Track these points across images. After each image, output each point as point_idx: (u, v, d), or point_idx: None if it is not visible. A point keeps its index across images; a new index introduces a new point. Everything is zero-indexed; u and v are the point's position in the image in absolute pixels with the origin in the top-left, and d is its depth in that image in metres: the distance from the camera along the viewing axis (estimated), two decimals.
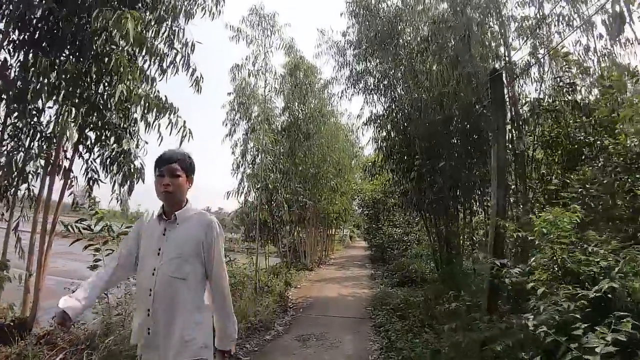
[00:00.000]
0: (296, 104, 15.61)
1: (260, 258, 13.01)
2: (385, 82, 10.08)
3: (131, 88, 5.14)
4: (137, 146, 5.79)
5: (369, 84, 10.87)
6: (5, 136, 4.86)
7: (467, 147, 8.04)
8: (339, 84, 11.81)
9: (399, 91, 9.42)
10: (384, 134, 10.35)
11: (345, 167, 17.38)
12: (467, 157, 8.28)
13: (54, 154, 5.20)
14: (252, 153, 12.08)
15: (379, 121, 10.35)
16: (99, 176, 5.73)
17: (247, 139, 12.12)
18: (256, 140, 11.47)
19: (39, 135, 4.94)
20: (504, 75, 5.74)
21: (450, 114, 7.92)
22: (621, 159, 4.25)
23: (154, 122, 5.56)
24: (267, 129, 15.05)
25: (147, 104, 5.38)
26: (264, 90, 10.06)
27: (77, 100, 4.77)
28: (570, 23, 6.10)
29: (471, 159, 8.04)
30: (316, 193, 16.09)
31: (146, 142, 5.95)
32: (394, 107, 9.97)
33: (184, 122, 5.60)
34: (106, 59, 4.69)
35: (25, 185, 5.09)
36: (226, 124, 16.25)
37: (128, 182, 5.45)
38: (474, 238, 8.26)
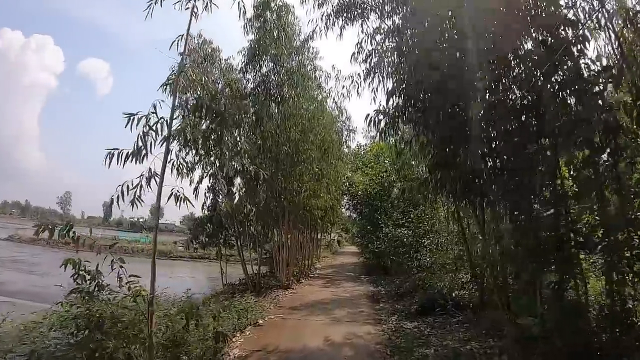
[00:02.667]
0: (265, 57, 11.20)
1: (205, 268, 8.53)
2: None
3: None
4: None
5: None
6: None
7: None
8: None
9: None
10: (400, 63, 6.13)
11: (332, 148, 12.99)
12: None
13: None
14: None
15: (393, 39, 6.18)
16: None
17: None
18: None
19: None
20: None
21: None
22: None
23: None
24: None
25: None
26: None
27: None
28: None
29: None
30: (293, 181, 11.69)
31: None
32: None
33: None
34: None
35: None
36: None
37: None
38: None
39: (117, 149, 4.54)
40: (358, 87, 7.27)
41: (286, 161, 11.21)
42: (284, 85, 11.26)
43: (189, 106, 5.06)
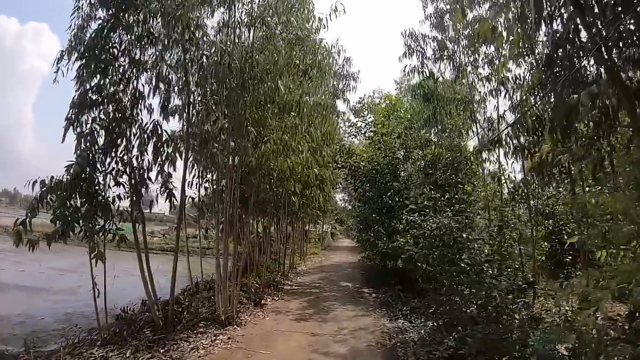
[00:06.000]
0: None
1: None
2: None
3: None
4: None
5: None
6: None
7: None
8: None
9: None
10: None
11: (318, 65, 7.35)
12: None
13: None
14: None
15: None
16: None
17: None
18: None
19: None
20: None
21: None
22: None
23: None
24: None
25: None
26: None
27: None
28: None
29: None
30: (245, 120, 6.06)
31: None
32: None
33: None
34: None
35: None
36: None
37: None
38: None
39: None
40: None
41: (229, 78, 5.59)
42: None
43: None
